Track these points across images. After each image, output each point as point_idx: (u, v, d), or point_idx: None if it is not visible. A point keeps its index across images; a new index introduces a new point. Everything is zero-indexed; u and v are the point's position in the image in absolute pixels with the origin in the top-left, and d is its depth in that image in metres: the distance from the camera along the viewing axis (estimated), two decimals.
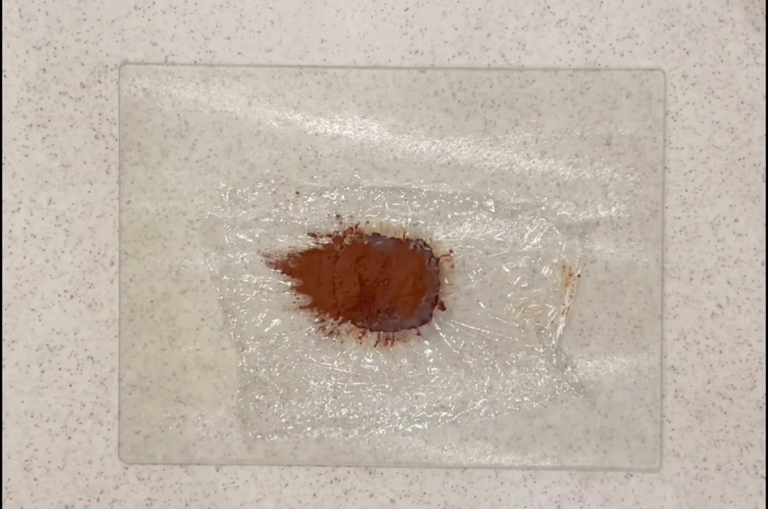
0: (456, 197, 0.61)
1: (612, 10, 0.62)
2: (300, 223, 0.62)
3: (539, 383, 0.61)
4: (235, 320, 0.61)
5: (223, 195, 0.62)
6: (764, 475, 0.61)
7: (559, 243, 0.61)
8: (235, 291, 0.61)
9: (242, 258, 0.61)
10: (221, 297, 0.61)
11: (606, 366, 0.61)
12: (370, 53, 0.62)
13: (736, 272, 0.62)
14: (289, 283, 0.62)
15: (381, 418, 0.61)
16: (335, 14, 0.62)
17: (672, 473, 0.62)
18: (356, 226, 0.62)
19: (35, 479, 0.62)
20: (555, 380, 0.61)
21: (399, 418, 0.61)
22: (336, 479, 0.62)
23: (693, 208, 0.62)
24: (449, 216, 0.61)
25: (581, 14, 0.62)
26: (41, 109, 0.62)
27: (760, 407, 0.61)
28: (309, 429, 0.61)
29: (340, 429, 0.61)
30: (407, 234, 0.61)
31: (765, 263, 0.62)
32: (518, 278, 0.61)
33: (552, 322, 0.61)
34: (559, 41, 0.62)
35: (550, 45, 0.62)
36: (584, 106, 0.62)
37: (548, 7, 0.62)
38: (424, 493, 0.62)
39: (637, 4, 0.62)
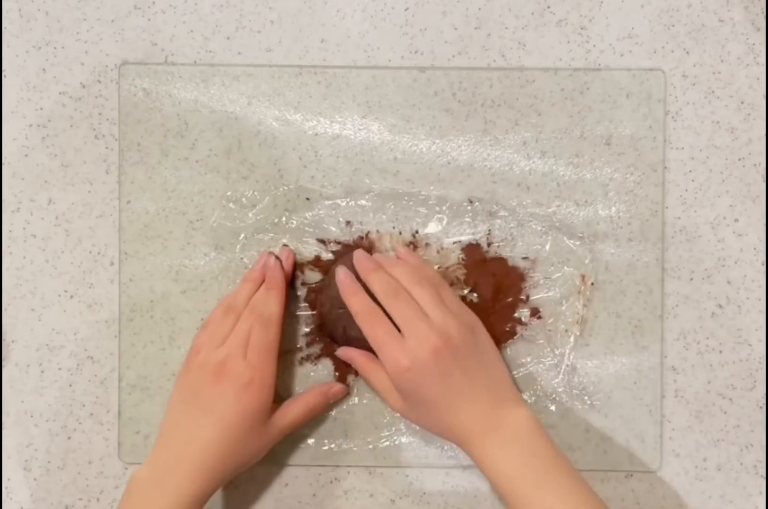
0: (464, 204, 0.61)
1: (612, 10, 0.62)
2: (309, 230, 0.61)
3: (548, 389, 0.61)
4: None
5: (232, 204, 0.61)
6: (764, 475, 0.61)
7: (574, 251, 0.61)
8: None
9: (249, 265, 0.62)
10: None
11: (606, 366, 0.61)
12: (370, 53, 0.62)
13: (736, 272, 0.62)
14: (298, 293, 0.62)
15: (385, 431, 0.61)
16: (335, 14, 0.62)
17: (672, 473, 0.62)
18: (367, 235, 0.61)
19: (35, 479, 0.62)
20: (562, 388, 0.61)
21: (404, 429, 0.61)
22: (336, 479, 0.62)
23: (693, 208, 0.62)
24: (459, 222, 0.61)
25: (581, 14, 0.62)
26: (41, 109, 0.62)
27: (760, 407, 0.61)
28: (306, 430, 0.61)
29: (340, 432, 0.61)
30: (410, 244, 0.61)
31: (765, 263, 0.62)
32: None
33: (566, 331, 0.61)
34: (559, 41, 0.62)
35: (550, 45, 0.62)
36: (584, 106, 0.61)
37: (548, 7, 0.62)
38: (424, 493, 0.62)
39: (637, 4, 0.62)
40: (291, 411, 0.58)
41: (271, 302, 0.58)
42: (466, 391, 0.55)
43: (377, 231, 0.61)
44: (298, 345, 0.61)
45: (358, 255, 0.59)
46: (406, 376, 0.55)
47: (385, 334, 0.55)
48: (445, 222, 0.61)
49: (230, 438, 0.55)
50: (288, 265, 0.60)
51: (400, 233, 0.61)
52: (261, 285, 0.59)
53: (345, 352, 0.60)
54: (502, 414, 0.55)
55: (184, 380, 0.57)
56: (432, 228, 0.61)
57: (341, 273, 0.58)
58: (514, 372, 0.61)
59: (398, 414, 0.59)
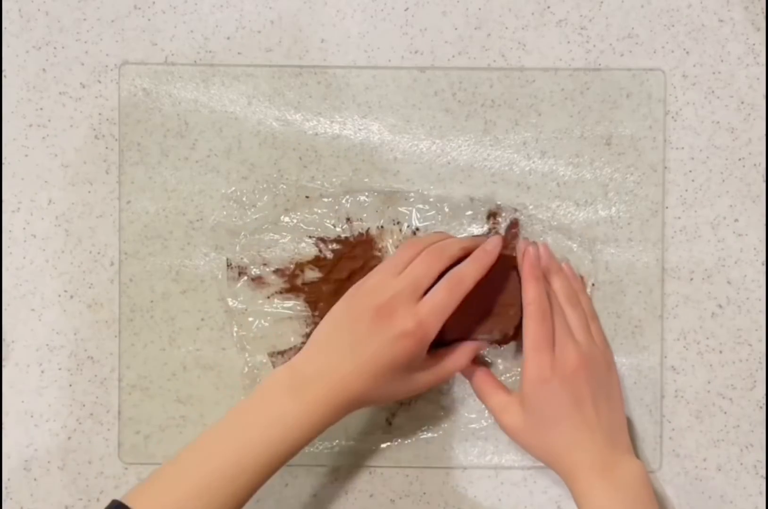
0: (464, 203, 0.61)
1: (612, 10, 0.62)
2: (309, 228, 0.61)
3: None
4: (237, 324, 0.61)
5: (233, 203, 0.61)
6: (764, 475, 0.61)
7: (574, 251, 0.61)
8: (241, 296, 0.62)
9: (251, 268, 0.62)
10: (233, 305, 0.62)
11: None
12: (370, 53, 0.62)
13: (736, 272, 0.62)
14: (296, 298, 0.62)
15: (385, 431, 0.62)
16: (335, 14, 0.62)
17: (672, 473, 0.62)
18: (367, 232, 0.61)
19: (35, 479, 0.62)
20: None
21: (404, 429, 0.62)
22: (336, 479, 0.62)
23: (693, 208, 0.62)
24: (459, 221, 0.61)
25: (581, 14, 0.62)
26: (41, 109, 0.62)
27: (760, 407, 0.61)
28: None
29: (340, 432, 0.61)
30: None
31: (765, 263, 0.62)
32: None
33: None
34: (559, 41, 0.62)
35: (550, 45, 0.62)
36: (584, 106, 0.61)
37: (548, 7, 0.62)
38: (424, 493, 0.62)
39: (637, 4, 0.62)
40: (438, 370, 0.56)
41: (473, 269, 0.55)
42: (589, 424, 0.55)
43: (378, 227, 0.61)
44: (297, 345, 0.61)
45: (546, 250, 0.59)
46: (543, 387, 0.55)
47: (544, 339, 0.55)
48: (445, 220, 0.61)
49: (371, 380, 0.53)
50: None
51: (401, 230, 0.61)
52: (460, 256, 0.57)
53: (468, 367, 0.59)
54: (616, 459, 0.55)
55: (352, 300, 0.55)
56: (432, 226, 0.61)
57: (532, 251, 0.58)
58: (515, 374, 0.61)
59: (509, 437, 0.58)
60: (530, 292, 0.56)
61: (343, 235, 0.61)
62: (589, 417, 0.55)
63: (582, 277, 0.61)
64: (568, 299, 0.58)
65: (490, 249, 0.57)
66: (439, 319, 0.54)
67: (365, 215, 0.61)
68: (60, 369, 0.62)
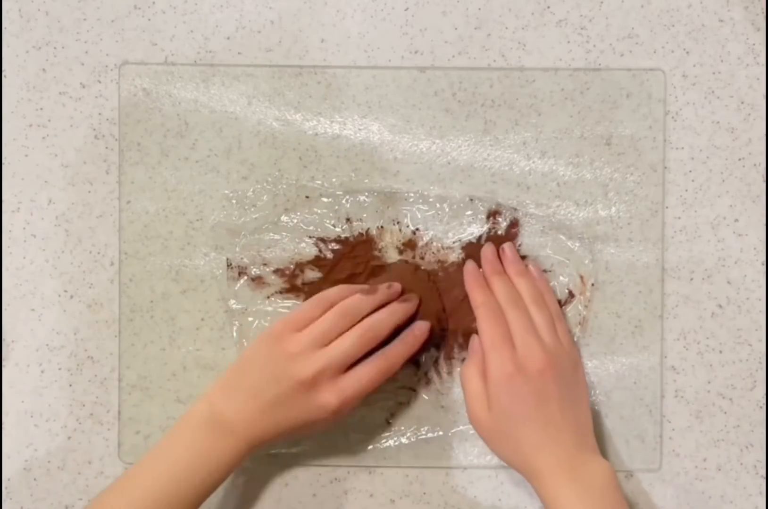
0: (465, 203, 0.61)
1: (612, 10, 0.62)
2: (309, 228, 0.61)
3: None
4: (237, 324, 0.61)
5: (234, 201, 0.61)
6: (764, 475, 0.61)
7: (574, 252, 0.61)
8: (240, 295, 0.62)
9: (252, 270, 0.62)
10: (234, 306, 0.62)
11: (606, 366, 0.61)
12: (370, 53, 0.62)
13: (736, 272, 0.62)
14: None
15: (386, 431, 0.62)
16: (335, 14, 0.62)
17: (672, 473, 0.62)
18: (367, 232, 0.61)
19: (35, 479, 0.62)
20: None
21: (403, 429, 0.61)
22: (336, 479, 0.62)
23: (693, 208, 0.62)
24: (459, 221, 0.61)
25: (581, 14, 0.62)
26: (41, 109, 0.62)
27: (760, 407, 0.61)
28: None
29: (340, 432, 0.61)
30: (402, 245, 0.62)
31: (765, 263, 0.62)
32: None
33: (569, 332, 0.61)
34: (559, 41, 0.62)
35: (550, 45, 0.62)
36: (584, 106, 0.62)
37: (548, 7, 0.62)
38: (424, 493, 0.62)
39: (637, 4, 0.62)
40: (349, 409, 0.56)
41: (402, 351, 0.57)
42: (555, 423, 0.54)
43: (378, 227, 0.61)
44: None
45: (487, 251, 0.60)
46: (507, 383, 0.54)
47: (500, 336, 0.56)
48: (445, 220, 0.61)
49: (286, 434, 0.55)
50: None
51: (401, 230, 0.61)
52: (375, 307, 0.57)
53: (472, 342, 0.59)
54: (583, 459, 0.54)
55: (272, 357, 0.55)
56: (432, 226, 0.61)
57: (470, 266, 0.60)
58: None
59: (474, 430, 0.57)
60: (477, 297, 0.58)
61: (343, 235, 0.61)
62: (554, 417, 0.54)
63: (581, 277, 0.61)
64: (533, 300, 0.58)
65: (419, 334, 0.58)
66: (361, 397, 0.55)
67: (365, 215, 0.61)
68: (60, 369, 0.62)
